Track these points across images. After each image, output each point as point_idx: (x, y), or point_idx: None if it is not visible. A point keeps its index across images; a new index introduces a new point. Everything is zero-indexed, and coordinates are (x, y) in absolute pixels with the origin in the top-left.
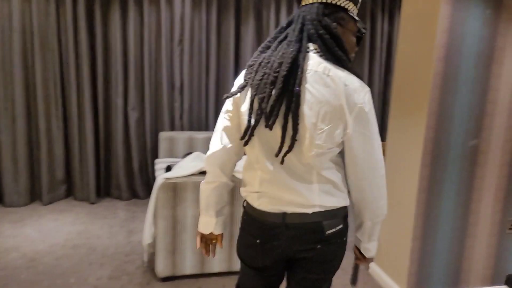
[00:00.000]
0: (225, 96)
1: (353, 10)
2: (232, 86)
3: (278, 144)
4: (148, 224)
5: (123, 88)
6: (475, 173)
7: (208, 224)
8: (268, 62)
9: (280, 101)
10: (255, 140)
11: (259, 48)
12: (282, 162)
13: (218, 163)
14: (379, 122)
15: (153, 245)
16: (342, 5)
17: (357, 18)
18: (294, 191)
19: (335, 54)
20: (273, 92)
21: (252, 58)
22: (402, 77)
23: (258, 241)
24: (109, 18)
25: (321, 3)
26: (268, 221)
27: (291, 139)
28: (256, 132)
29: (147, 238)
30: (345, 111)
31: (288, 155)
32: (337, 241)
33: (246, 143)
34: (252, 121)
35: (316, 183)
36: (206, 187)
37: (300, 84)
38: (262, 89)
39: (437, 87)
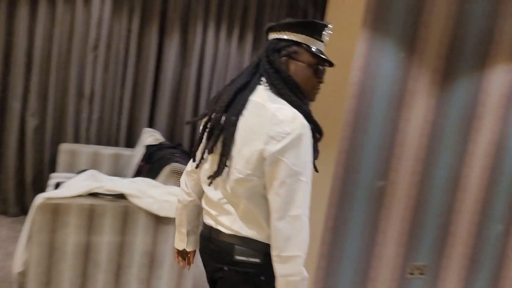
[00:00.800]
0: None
1: (310, 42)
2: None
3: (214, 168)
4: (20, 249)
5: (22, 91)
6: (380, 215)
7: (181, 241)
8: (223, 93)
9: (220, 127)
10: (204, 163)
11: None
12: (209, 184)
13: (186, 184)
14: None
15: (24, 274)
16: (292, 38)
17: (314, 49)
18: (220, 210)
19: (276, 87)
20: (217, 119)
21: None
22: (315, 112)
23: (200, 250)
24: (15, 11)
25: (275, 38)
26: (203, 232)
27: (219, 164)
28: (206, 156)
29: (17, 266)
30: (267, 139)
31: (218, 179)
32: (247, 272)
33: (196, 166)
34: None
35: (239, 210)
36: (178, 205)
37: (237, 114)
38: (211, 117)
39: (349, 125)
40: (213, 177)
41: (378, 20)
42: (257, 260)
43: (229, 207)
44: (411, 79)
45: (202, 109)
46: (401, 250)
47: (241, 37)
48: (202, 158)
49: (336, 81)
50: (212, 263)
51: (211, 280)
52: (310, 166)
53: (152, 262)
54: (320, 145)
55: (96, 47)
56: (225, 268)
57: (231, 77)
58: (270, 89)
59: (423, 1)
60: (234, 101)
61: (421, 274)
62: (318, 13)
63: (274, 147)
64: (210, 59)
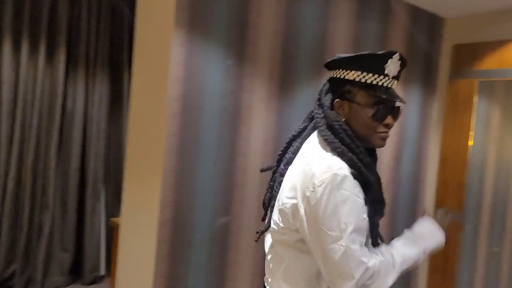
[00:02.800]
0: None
1: (367, 78)
2: None
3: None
4: None
5: None
6: (227, 259)
7: None
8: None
9: (273, 179)
10: None
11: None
12: (256, 240)
13: None
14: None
15: None
16: (345, 77)
17: (378, 84)
18: (268, 272)
19: (322, 134)
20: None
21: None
22: (135, 140)
23: None
24: None
25: (329, 78)
26: None
27: (267, 219)
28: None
29: None
30: (301, 193)
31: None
32: None
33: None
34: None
35: (281, 270)
36: None
37: (286, 164)
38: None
39: (173, 152)
40: (261, 232)
41: (195, 18)
42: None
43: (273, 267)
44: (245, 91)
45: None
46: None
47: (49, 55)
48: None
49: (152, 97)
50: None
51: None
52: (353, 224)
53: None
54: (140, 182)
55: None
56: None
57: (42, 103)
58: (320, 136)
59: None
60: (288, 149)
61: None
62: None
63: (307, 204)
64: (8, 82)
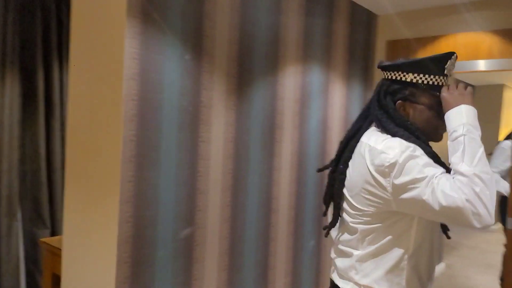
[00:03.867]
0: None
1: (429, 80)
2: None
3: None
4: None
5: None
6: (191, 273)
7: None
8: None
9: (333, 178)
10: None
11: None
12: (325, 235)
13: None
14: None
15: None
16: (407, 79)
17: (439, 84)
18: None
19: (387, 129)
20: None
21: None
22: (77, 149)
23: None
24: None
25: (387, 79)
26: None
27: (333, 216)
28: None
29: None
30: (374, 174)
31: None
32: None
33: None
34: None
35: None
36: None
37: (345, 161)
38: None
39: (130, 160)
40: (328, 228)
41: (148, 5)
42: None
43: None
44: (204, 89)
45: None
46: None
47: None
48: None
49: (101, 97)
50: None
51: None
52: (432, 170)
53: None
54: (89, 196)
55: None
56: None
57: None
58: (380, 130)
59: None
60: (346, 148)
61: None
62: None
63: (387, 177)
64: None
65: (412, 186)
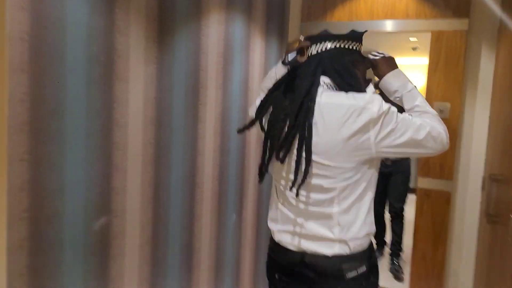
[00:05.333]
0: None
1: (360, 47)
2: None
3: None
4: None
5: None
6: (108, 273)
7: None
8: (281, 99)
9: (293, 133)
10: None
11: (271, 87)
12: (297, 195)
13: None
14: None
15: None
16: (356, 48)
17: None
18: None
19: (349, 83)
20: (286, 125)
21: (264, 96)
22: None
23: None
24: None
25: (337, 48)
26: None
27: (304, 171)
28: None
29: None
30: (362, 128)
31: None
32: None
33: (260, 180)
34: (266, 158)
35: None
36: None
37: (312, 116)
38: (274, 126)
39: (22, 131)
40: (296, 184)
41: None
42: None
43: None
44: (119, 33)
45: None
46: None
47: None
48: (266, 171)
49: None
50: None
51: None
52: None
53: None
54: None
55: None
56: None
57: None
58: (338, 87)
59: None
60: (303, 105)
61: None
62: None
63: (375, 131)
64: None
65: (399, 129)
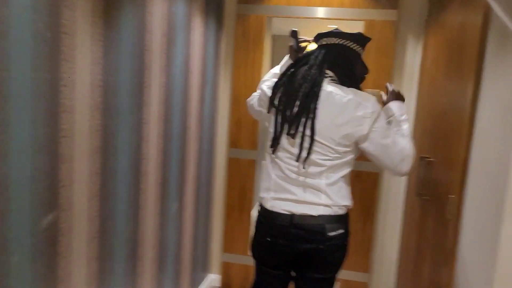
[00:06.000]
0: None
1: (360, 49)
2: None
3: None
4: None
5: None
6: (56, 274)
7: None
8: (293, 82)
9: (300, 115)
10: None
11: (284, 71)
12: (303, 167)
13: None
14: None
15: None
16: (357, 50)
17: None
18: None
19: (344, 82)
20: (295, 107)
21: (277, 80)
22: None
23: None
24: None
25: (342, 45)
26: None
27: (309, 147)
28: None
29: None
30: (358, 120)
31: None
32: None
33: (274, 151)
34: (278, 131)
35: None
36: None
37: (317, 100)
38: (286, 104)
39: None
40: (300, 158)
41: None
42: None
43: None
44: (65, 6)
45: None
46: None
47: None
48: (278, 142)
49: None
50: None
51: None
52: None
53: None
54: None
55: None
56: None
57: None
58: (339, 80)
59: None
60: (311, 91)
61: None
62: None
63: (367, 125)
64: None
65: (385, 131)
